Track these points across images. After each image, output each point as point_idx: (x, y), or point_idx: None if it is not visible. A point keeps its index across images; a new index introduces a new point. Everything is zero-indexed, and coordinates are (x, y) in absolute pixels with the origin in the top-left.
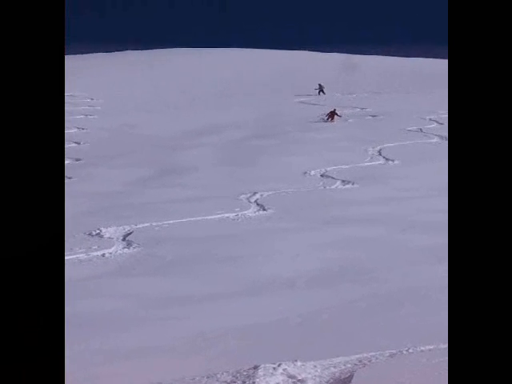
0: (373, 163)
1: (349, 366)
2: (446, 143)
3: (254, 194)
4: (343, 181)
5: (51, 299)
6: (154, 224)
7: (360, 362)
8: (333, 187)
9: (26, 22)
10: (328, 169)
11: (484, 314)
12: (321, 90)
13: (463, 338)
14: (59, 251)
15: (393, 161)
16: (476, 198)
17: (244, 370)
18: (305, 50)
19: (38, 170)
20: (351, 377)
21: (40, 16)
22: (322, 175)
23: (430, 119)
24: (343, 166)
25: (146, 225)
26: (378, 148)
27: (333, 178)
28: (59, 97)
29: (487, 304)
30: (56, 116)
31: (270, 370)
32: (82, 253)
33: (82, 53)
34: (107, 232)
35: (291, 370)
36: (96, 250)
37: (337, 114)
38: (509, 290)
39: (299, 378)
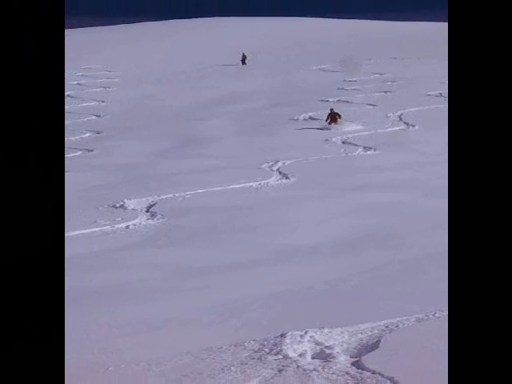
0: (393, 129)
1: (376, 331)
2: None
3: (276, 162)
4: (365, 147)
5: (51, 282)
6: (177, 195)
7: (387, 327)
8: (354, 154)
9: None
10: (349, 135)
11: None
12: (243, 59)
13: (463, 310)
14: (59, 233)
15: (413, 126)
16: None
17: (271, 338)
18: (317, 17)
19: (37, 152)
20: (378, 342)
21: None
22: (343, 142)
23: None
24: (364, 133)
25: (169, 196)
26: (399, 113)
27: (354, 144)
28: (59, 76)
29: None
30: (55, 93)
31: (297, 338)
32: (106, 225)
33: (96, 25)
34: (131, 204)
35: (318, 337)
36: (120, 222)
37: (338, 115)
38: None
39: (326, 344)
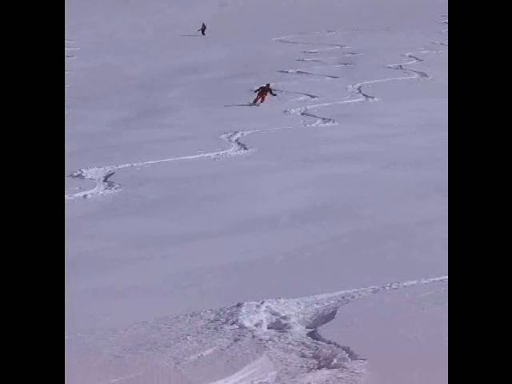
0: (353, 101)
1: (332, 302)
2: (425, 80)
3: (235, 133)
4: (324, 119)
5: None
6: (136, 165)
7: (343, 298)
8: (313, 125)
9: None
10: (308, 107)
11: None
12: (203, 29)
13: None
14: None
15: (373, 98)
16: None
17: (227, 308)
18: None
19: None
20: (334, 313)
21: None
22: (302, 113)
23: (410, 56)
24: (323, 104)
25: (127, 165)
26: (358, 85)
27: (313, 116)
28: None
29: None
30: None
31: (254, 308)
32: None
33: None
34: (88, 173)
35: (274, 307)
36: (78, 192)
37: (271, 92)
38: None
39: (282, 315)
